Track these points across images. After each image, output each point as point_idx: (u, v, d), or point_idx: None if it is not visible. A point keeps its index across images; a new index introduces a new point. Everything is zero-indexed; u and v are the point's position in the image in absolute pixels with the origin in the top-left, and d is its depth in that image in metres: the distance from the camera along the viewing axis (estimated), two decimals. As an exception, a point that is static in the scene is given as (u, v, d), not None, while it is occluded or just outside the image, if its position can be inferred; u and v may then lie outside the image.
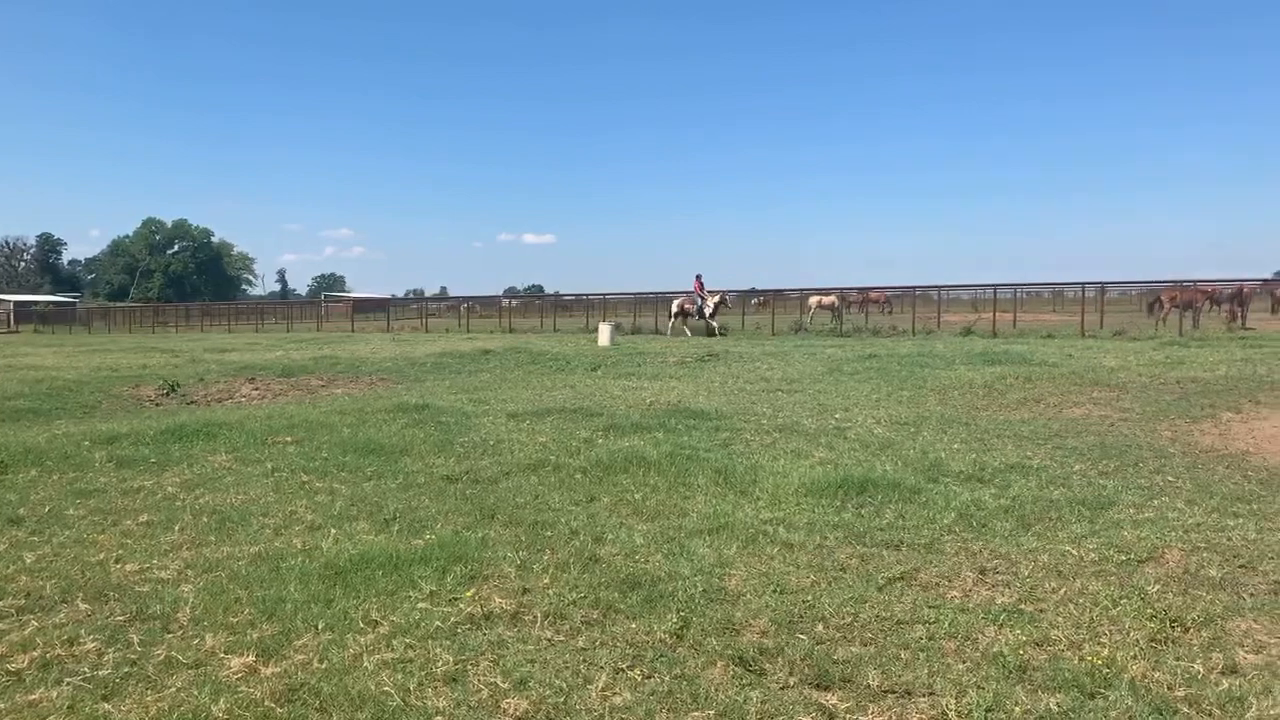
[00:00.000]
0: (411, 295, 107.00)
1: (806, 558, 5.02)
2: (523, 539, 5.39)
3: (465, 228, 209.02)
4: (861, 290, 43.36)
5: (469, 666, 3.62)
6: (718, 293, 32.74)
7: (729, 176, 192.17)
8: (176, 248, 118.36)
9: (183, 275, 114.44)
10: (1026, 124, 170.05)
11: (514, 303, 59.15)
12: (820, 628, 4.01)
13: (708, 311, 31.98)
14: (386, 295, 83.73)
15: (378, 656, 3.71)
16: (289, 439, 8.98)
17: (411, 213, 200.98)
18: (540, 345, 25.63)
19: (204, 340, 37.30)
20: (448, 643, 3.85)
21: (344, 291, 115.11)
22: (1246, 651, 3.75)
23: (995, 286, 32.22)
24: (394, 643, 3.84)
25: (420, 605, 4.28)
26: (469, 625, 4.06)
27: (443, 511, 6.08)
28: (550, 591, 4.47)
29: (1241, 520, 5.69)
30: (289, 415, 10.67)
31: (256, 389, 15.10)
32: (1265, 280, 39.70)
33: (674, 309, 33.52)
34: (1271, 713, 3.20)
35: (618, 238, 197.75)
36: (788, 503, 6.22)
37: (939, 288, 35.96)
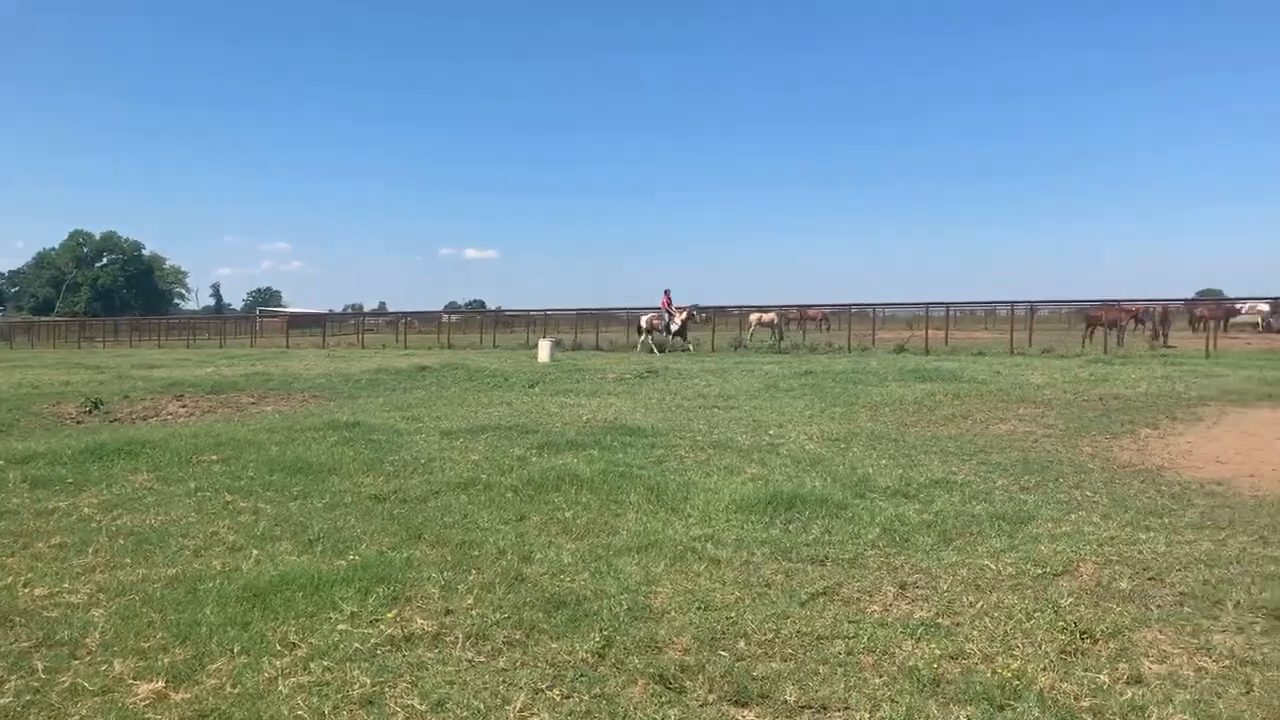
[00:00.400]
0: (350, 310, 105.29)
1: (733, 574, 5.06)
2: (449, 559, 5.34)
3: (406, 242, 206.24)
4: (800, 307, 43.87)
5: (387, 689, 3.57)
6: (685, 308, 32.41)
7: (675, 190, 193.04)
8: (105, 260, 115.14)
9: (111, 289, 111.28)
10: (970, 143, 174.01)
11: (454, 318, 58.71)
12: (742, 644, 4.05)
13: (674, 327, 31.65)
14: (324, 310, 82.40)
15: (293, 680, 3.64)
16: (214, 458, 8.78)
17: (352, 226, 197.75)
18: (479, 362, 25.46)
19: (132, 356, 36.31)
20: (366, 665, 3.80)
21: (281, 306, 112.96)
22: (1151, 661, 3.87)
23: (928, 305, 32.87)
24: (311, 666, 3.78)
25: (340, 627, 4.22)
26: (389, 647, 4.01)
27: (368, 531, 6.00)
28: (474, 612, 4.44)
29: (1153, 534, 5.88)
30: (216, 433, 10.44)
31: (184, 406, 14.74)
32: (1187, 300, 41.23)
33: (642, 324, 33.04)
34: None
35: (562, 254, 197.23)
36: (718, 519, 6.26)
37: (875, 305, 36.58)
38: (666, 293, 32.74)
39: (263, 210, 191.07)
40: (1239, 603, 4.53)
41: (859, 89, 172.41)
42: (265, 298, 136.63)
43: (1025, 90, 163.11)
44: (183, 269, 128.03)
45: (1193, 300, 41.34)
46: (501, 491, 7.21)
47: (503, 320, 49.45)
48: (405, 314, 58.44)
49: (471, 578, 4.99)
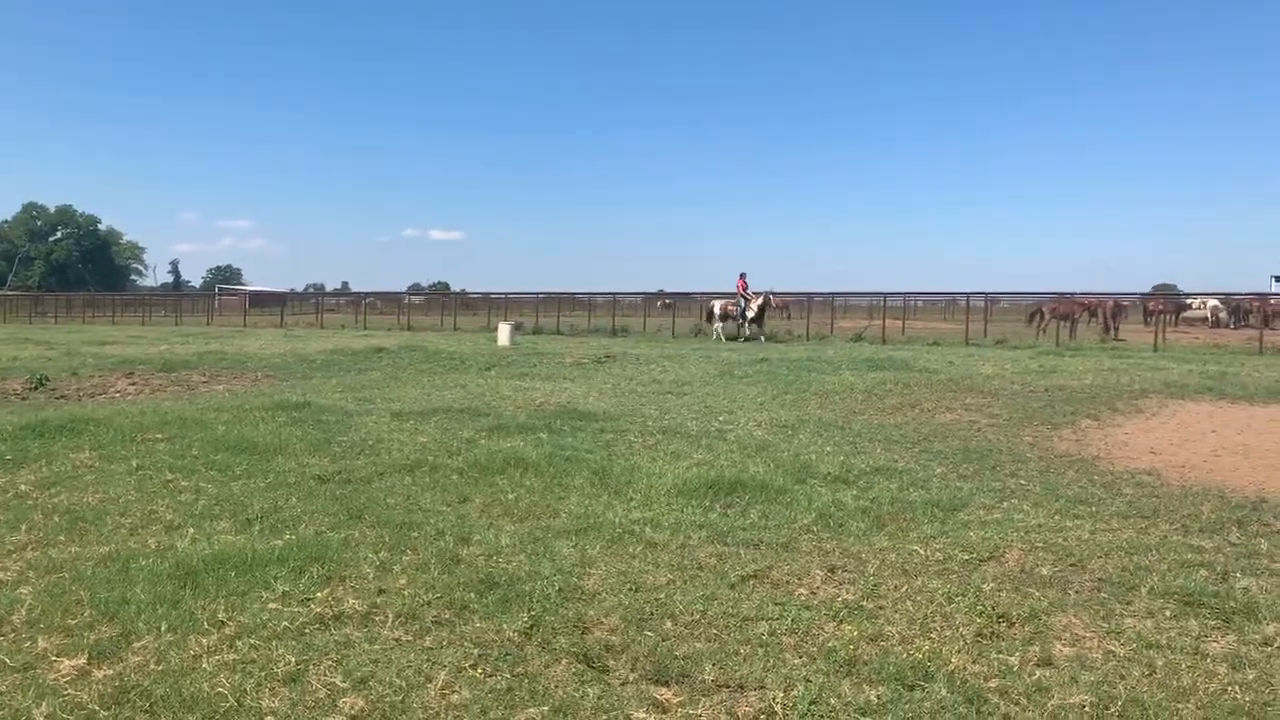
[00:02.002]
0: (311, 290, 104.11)
1: (668, 557, 5.14)
2: (387, 539, 5.37)
3: (370, 221, 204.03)
4: (761, 295, 44.06)
5: (311, 667, 3.60)
6: (761, 294, 30.02)
7: (642, 177, 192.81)
8: (60, 235, 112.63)
9: (66, 264, 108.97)
10: (943, 135, 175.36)
11: (417, 300, 58.31)
12: (669, 625, 4.13)
13: (750, 314, 29.39)
14: (285, 289, 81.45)
15: (218, 658, 3.66)
16: (160, 436, 8.70)
17: (315, 204, 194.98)
18: (437, 344, 25.35)
19: (84, 333, 35.66)
20: (293, 643, 3.82)
21: (240, 285, 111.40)
22: (1063, 645, 3.99)
23: (885, 295, 33.20)
24: (237, 644, 3.80)
25: (271, 606, 4.23)
26: (318, 626, 4.04)
27: (309, 512, 6.00)
28: (406, 592, 4.47)
29: (1080, 521, 6.05)
30: (163, 412, 10.33)
31: (134, 384, 14.54)
32: (1143, 294, 42.03)
33: (715, 310, 30.70)
34: (1071, 700, 3.43)
35: (528, 236, 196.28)
36: (659, 503, 6.34)
37: (835, 294, 36.87)
38: (742, 276, 30.19)
39: (224, 187, 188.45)
40: (1153, 588, 4.69)
41: (843, 82, 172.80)
42: (225, 276, 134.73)
43: (999, 86, 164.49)
44: (140, 245, 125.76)
45: (1147, 295, 42.13)
46: (447, 474, 7.23)
47: (465, 303, 49.25)
48: (367, 294, 57.96)
49: (407, 558, 5.02)
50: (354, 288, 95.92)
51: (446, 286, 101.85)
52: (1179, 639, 4.03)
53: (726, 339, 29.73)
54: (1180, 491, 6.99)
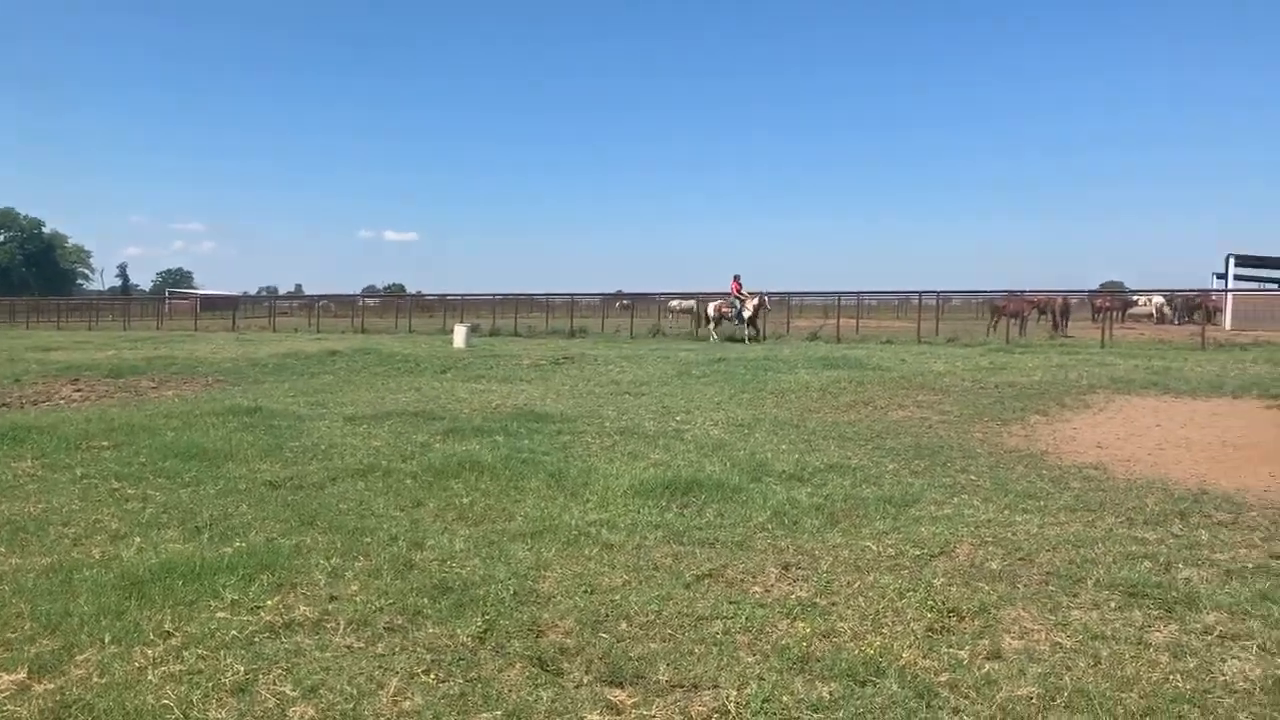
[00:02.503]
0: (264, 293, 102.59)
1: (624, 558, 5.14)
2: (339, 545, 5.31)
3: (324, 223, 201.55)
4: (720, 295, 44.27)
5: (260, 676, 3.55)
6: (756, 294, 29.64)
7: (600, 177, 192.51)
8: (2, 238, 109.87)
9: (9, 268, 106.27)
10: (895, 132, 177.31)
11: (372, 302, 57.69)
12: (624, 626, 4.13)
13: (746, 314, 28.96)
14: (237, 293, 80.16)
15: (164, 669, 3.59)
16: (106, 444, 8.52)
17: (269, 207, 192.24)
18: (392, 346, 25.11)
19: (28, 338, 34.76)
20: (242, 652, 3.76)
21: (192, 288, 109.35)
22: (1012, 638, 4.06)
23: (840, 294, 33.50)
24: (185, 654, 3.73)
25: (219, 615, 4.16)
26: (267, 634, 3.98)
27: (260, 518, 5.92)
28: (358, 598, 4.43)
29: (1029, 515, 6.15)
30: (109, 419, 10.13)
31: (80, 390, 14.22)
32: (1091, 292, 42.93)
33: (710, 313, 30.50)
34: (1019, 692, 3.49)
35: (485, 237, 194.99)
36: (615, 504, 6.34)
37: (791, 294, 37.13)
38: (736, 278, 30.03)
39: (174, 189, 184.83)
40: (1098, 580, 4.78)
41: (778, 76, 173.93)
42: (176, 279, 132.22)
43: (953, 84, 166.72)
44: (86, 248, 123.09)
45: (1094, 292, 43.03)
46: (401, 478, 7.16)
47: (421, 305, 48.86)
48: (320, 297, 57.25)
49: (360, 564, 4.97)
50: (308, 290, 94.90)
51: (402, 288, 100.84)
52: (1123, 629, 4.12)
53: (725, 340, 29.22)
54: (1126, 485, 7.14)
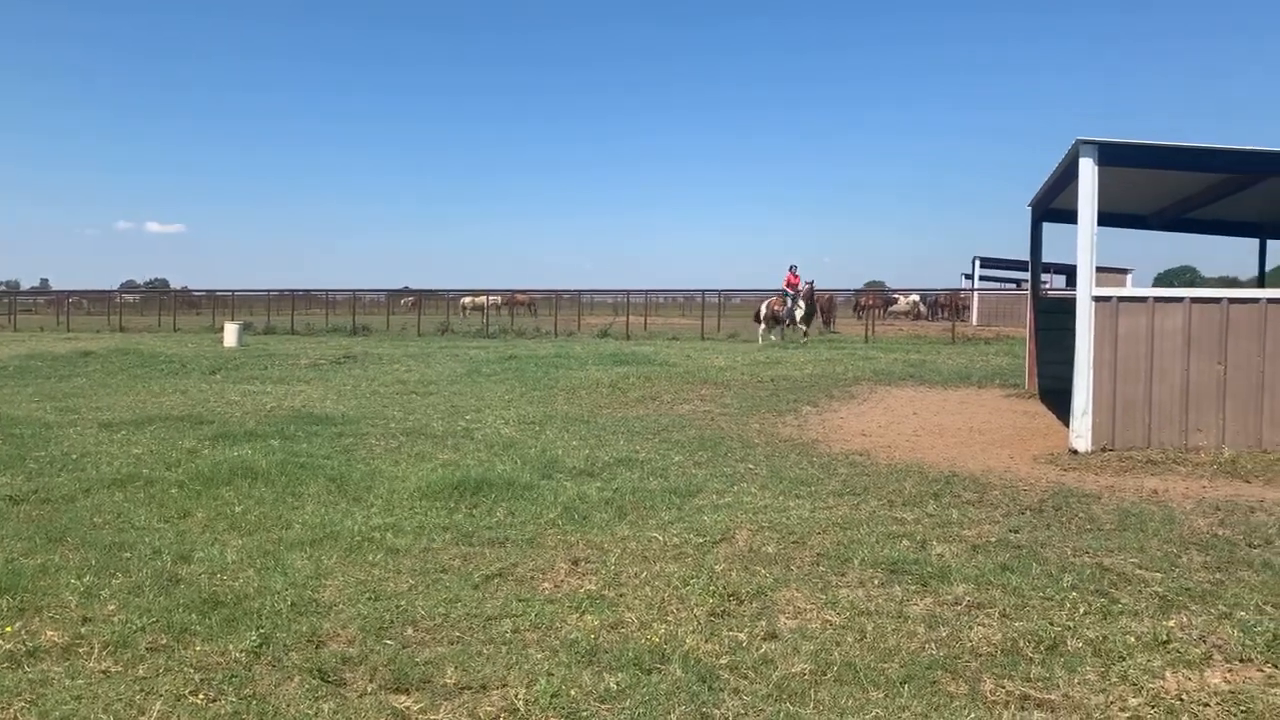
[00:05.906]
0: (3, 288, 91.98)
1: (410, 562, 5.01)
2: (93, 562, 4.86)
3: (76, 213, 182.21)
4: (509, 292, 44.15)
5: (-3, 713, 3.20)
6: (807, 285, 26.57)
7: (384, 167, 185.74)
8: None
9: None
10: (675, 135, 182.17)
11: (132, 298, 53.18)
12: (410, 631, 4.03)
13: (799, 313, 25.90)
14: (-35, 288, 71.36)
15: (-126, 716, 3.16)
16: None
17: (8, 192, 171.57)
18: (155, 346, 23.26)
19: None
20: (-27, 689, 3.37)
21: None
22: (787, 618, 4.29)
23: (629, 292, 34.25)
24: (-99, 697, 3.30)
25: (-55, 650, 3.71)
26: (7, 665, 3.58)
27: (-4, 538, 5.32)
28: (116, 619, 4.07)
29: (801, 501, 6.52)
30: None
31: None
32: (856, 290, 46.11)
33: (763, 311, 26.68)
34: (794, 670, 3.69)
35: (259, 230, 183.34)
36: (401, 508, 6.18)
37: (582, 291, 37.54)
38: (792, 269, 26.60)
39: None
40: (864, 560, 5.13)
41: (587, 78, 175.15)
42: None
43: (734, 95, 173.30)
44: None
45: (859, 290, 46.27)
46: (164, 487, 6.66)
47: (188, 301, 45.57)
48: (71, 293, 52.04)
49: (118, 581, 4.58)
50: (55, 286, 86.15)
51: (166, 284, 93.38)
52: (886, 605, 4.44)
53: (769, 337, 26.51)
54: (887, 469, 7.72)
